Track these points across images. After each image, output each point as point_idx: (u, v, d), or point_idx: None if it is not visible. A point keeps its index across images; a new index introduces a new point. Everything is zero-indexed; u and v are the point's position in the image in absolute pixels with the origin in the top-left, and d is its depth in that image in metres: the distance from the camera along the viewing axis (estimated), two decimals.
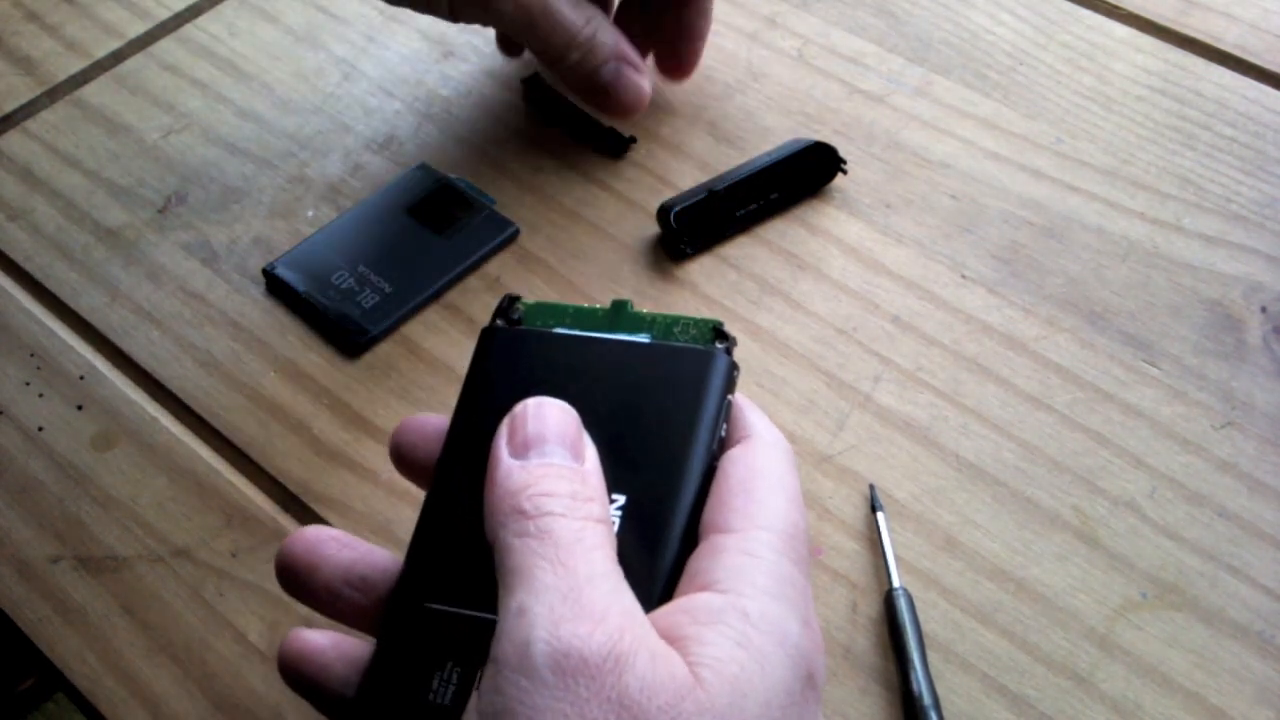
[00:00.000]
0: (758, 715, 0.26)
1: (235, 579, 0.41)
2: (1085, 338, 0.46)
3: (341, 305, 0.47)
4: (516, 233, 0.50)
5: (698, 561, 0.29)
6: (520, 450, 0.29)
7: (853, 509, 0.42)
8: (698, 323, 0.33)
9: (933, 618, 0.39)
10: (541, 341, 0.33)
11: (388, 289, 0.48)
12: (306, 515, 0.43)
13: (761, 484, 0.30)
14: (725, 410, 0.32)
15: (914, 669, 0.37)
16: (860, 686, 0.38)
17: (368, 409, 0.45)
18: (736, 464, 0.31)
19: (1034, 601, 0.40)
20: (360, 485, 0.43)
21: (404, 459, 0.35)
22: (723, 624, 0.27)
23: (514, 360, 0.33)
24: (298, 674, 0.33)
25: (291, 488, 0.43)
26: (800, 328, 0.47)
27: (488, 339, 0.34)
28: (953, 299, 0.47)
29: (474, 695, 0.27)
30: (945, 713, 0.37)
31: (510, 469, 0.29)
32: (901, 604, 0.39)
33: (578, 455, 0.29)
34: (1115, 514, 0.41)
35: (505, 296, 0.35)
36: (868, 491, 0.42)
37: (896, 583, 0.39)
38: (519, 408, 0.30)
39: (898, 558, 0.40)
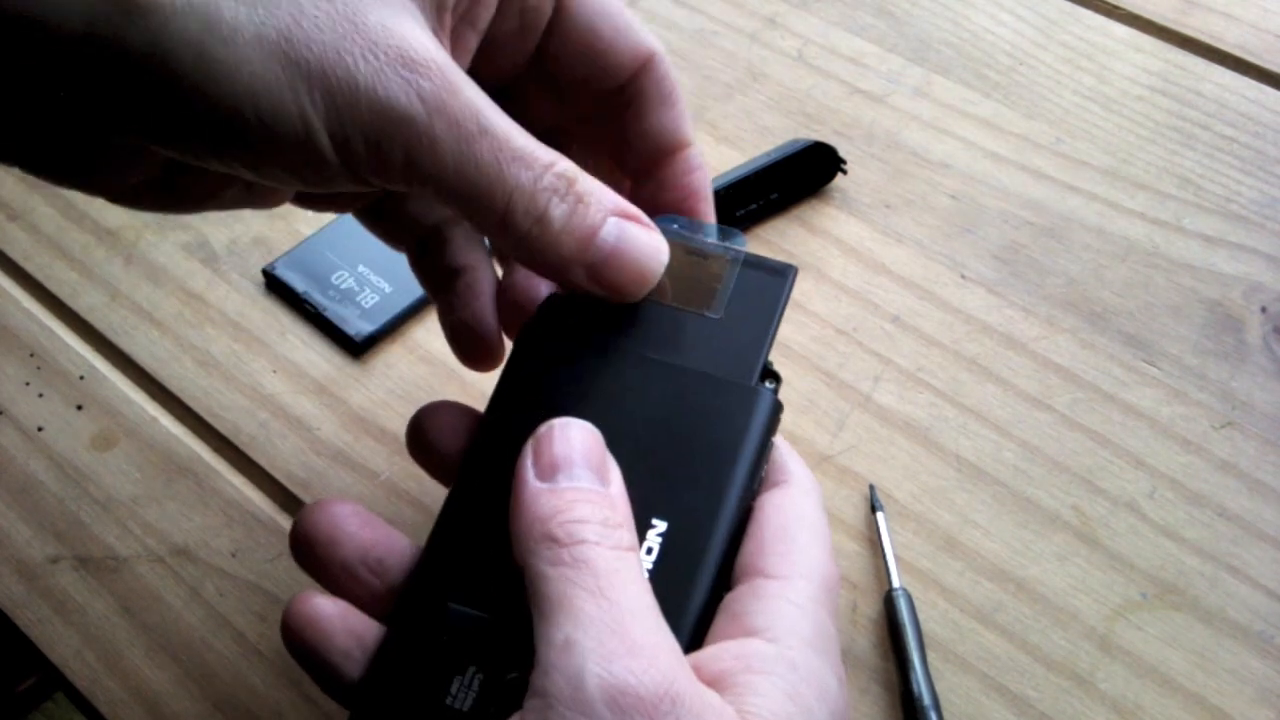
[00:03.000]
0: None
1: (235, 579, 0.41)
2: (1085, 338, 0.46)
3: (341, 305, 0.47)
4: None
5: (741, 603, 0.29)
6: (547, 473, 0.29)
7: (853, 509, 0.42)
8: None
9: (933, 618, 0.39)
10: (582, 348, 0.32)
11: (387, 289, 0.48)
12: None
13: (804, 532, 0.30)
14: (767, 452, 0.32)
15: (914, 669, 0.37)
16: (860, 686, 0.38)
17: (368, 409, 0.45)
18: (779, 509, 0.31)
19: (1034, 601, 0.40)
20: (360, 485, 0.43)
21: (423, 444, 0.34)
22: (774, 674, 0.27)
23: (554, 363, 0.32)
24: (301, 639, 0.31)
25: (291, 488, 0.43)
26: (800, 328, 0.47)
27: (529, 337, 0.33)
28: (953, 299, 0.47)
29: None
30: (945, 713, 0.37)
31: (538, 492, 0.28)
32: (901, 604, 0.39)
33: (603, 478, 0.29)
34: (1115, 514, 0.41)
35: (549, 297, 0.34)
36: (868, 491, 0.42)
37: (896, 583, 0.39)
38: (544, 428, 0.29)
39: (898, 558, 0.40)
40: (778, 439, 0.33)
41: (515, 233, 0.30)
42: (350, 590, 0.32)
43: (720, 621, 0.29)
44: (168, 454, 0.44)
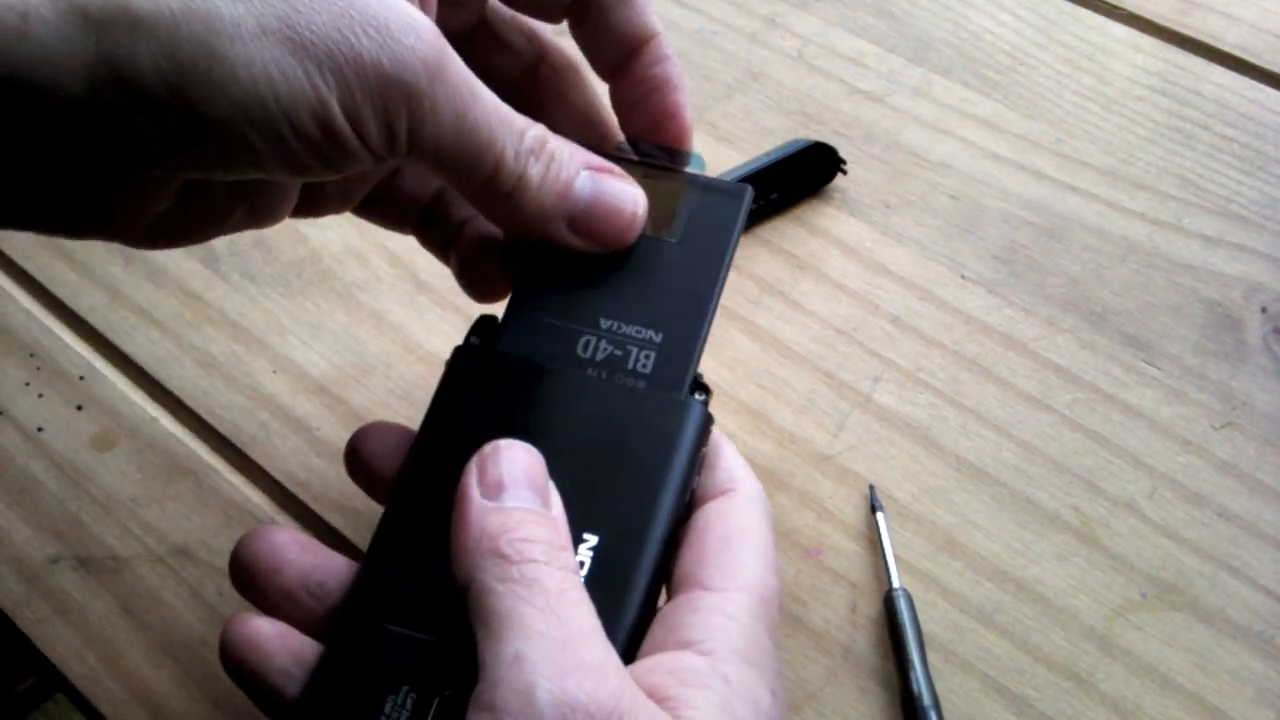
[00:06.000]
0: None
1: None
2: (1085, 338, 0.46)
3: (616, 380, 0.33)
4: None
5: (677, 615, 0.29)
6: (493, 492, 0.29)
7: (853, 509, 0.42)
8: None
9: (933, 618, 0.39)
10: (517, 368, 0.33)
11: (657, 337, 0.34)
12: (306, 515, 0.43)
13: (744, 543, 0.31)
14: (699, 463, 0.32)
15: (914, 669, 0.37)
16: (860, 686, 0.38)
17: (368, 409, 0.45)
18: (722, 518, 0.31)
19: (1034, 602, 0.40)
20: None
21: (361, 465, 0.35)
22: (707, 688, 0.27)
23: (487, 383, 0.33)
24: (241, 660, 0.32)
25: (291, 488, 0.43)
26: (800, 328, 0.47)
27: (462, 359, 0.34)
28: (953, 299, 0.47)
29: None
30: (945, 713, 0.37)
31: (484, 509, 0.29)
32: (901, 604, 0.39)
33: (545, 501, 0.29)
34: (1115, 514, 0.41)
35: (481, 317, 0.35)
36: (868, 491, 0.42)
37: (896, 583, 0.39)
38: (489, 448, 0.30)
39: (898, 558, 0.40)
40: (729, 446, 0.33)
41: (499, 193, 0.31)
42: (291, 615, 0.32)
43: (656, 632, 0.30)
44: (168, 454, 0.44)
